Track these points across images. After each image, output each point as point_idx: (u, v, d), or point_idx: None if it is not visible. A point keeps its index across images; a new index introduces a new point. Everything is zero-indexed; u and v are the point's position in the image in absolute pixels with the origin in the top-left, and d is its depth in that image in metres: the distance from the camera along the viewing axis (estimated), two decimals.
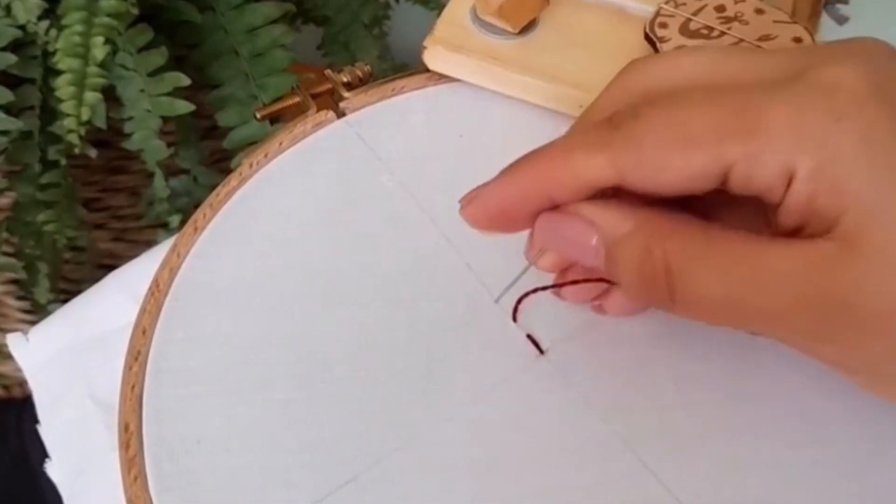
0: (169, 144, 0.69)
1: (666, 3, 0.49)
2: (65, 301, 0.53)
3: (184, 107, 0.67)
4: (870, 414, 0.40)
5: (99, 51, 0.62)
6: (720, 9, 0.49)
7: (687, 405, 0.40)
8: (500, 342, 0.42)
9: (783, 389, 0.41)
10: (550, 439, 0.39)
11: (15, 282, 0.79)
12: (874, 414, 0.40)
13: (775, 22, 0.49)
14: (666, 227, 0.34)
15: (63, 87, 0.63)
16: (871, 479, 0.38)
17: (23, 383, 0.53)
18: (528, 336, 0.42)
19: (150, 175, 0.69)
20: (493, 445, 0.39)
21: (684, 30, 0.48)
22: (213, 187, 0.46)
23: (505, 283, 0.42)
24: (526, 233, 0.38)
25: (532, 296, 0.41)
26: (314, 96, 0.49)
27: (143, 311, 0.43)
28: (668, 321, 0.42)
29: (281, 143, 0.48)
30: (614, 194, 0.35)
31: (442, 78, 0.50)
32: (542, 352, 0.41)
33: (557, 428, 0.39)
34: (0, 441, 0.89)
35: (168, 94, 0.67)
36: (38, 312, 0.77)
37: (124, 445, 0.39)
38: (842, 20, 0.57)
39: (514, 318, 0.42)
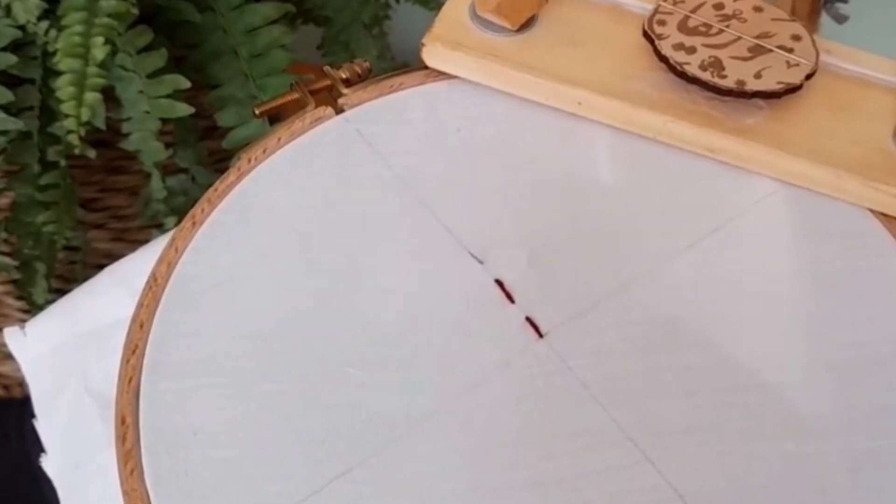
0: (167, 144, 0.69)
1: (664, 0, 0.49)
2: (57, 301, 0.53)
3: (183, 109, 0.67)
4: (870, 408, 0.40)
5: (99, 51, 0.62)
6: (719, 6, 0.49)
7: (687, 394, 0.40)
8: (499, 326, 0.42)
9: (785, 381, 0.41)
10: (548, 427, 0.39)
11: (14, 281, 0.79)
12: (874, 408, 0.40)
13: (774, 20, 0.49)
14: None
15: (63, 87, 0.63)
16: (870, 473, 0.38)
17: (23, 383, 0.53)
18: (528, 319, 0.42)
19: (150, 175, 0.69)
20: (490, 433, 0.39)
21: (683, 27, 0.48)
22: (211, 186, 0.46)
23: (507, 272, 0.42)
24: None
25: (533, 281, 0.41)
26: (313, 93, 0.49)
27: (140, 305, 0.43)
28: (669, 310, 0.42)
29: (279, 139, 0.48)
30: None
31: (440, 75, 0.50)
32: (541, 335, 0.41)
33: (556, 415, 0.39)
34: (0, 441, 0.89)
35: (167, 97, 0.67)
36: (35, 313, 0.76)
37: (121, 438, 0.39)
38: (841, 19, 0.57)
39: (513, 300, 0.42)
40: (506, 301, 0.42)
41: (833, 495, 0.38)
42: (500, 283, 0.43)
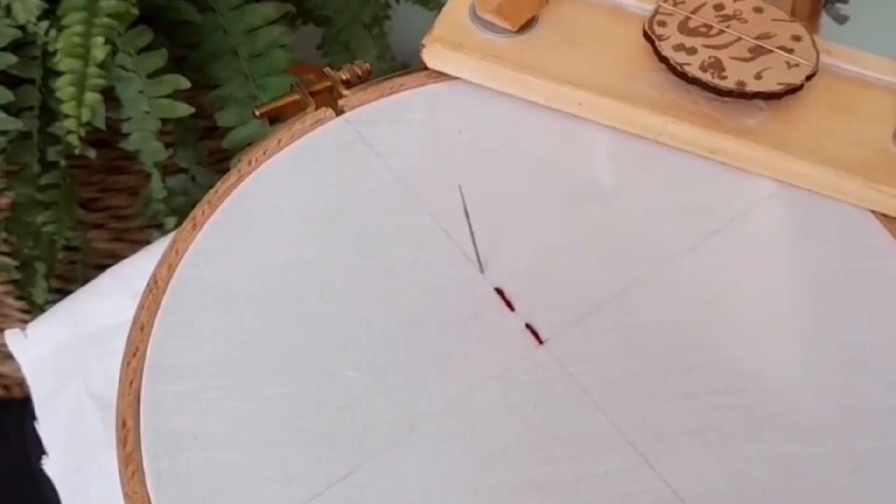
0: (167, 144, 0.69)
1: (664, 1, 0.49)
2: (57, 301, 0.53)
3: (183, 109, 0.67)
4: (870, 409, 0.40)
5: (99, 51, 0.62)
6: (719, 7, 0.49)
7: (687, 396, 0.40)
8: (499, 333, 0.42)
9: (783, 383, 0.41)
10: (548, 431, 0.39)
11: (14, 281, 0.79)
12: (874, 409, 0.40)
13: (774, 20, 0.49)
14: None
15: (63, 87, 0.63)
16: (871, 474, 0.38)
17: (23, 383, 0.53)
18: (528, 326, 0.42)
19: (150, 175, 0.69)
20: (490, 437, 0.39)
21: (683, 28, 0.48)
22: (211, 187, 0.46)
23: (507, 275, 0.42)
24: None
25: (533, 284, 0.41)
26: (313, 94, 0.49)
27: (141, 307, 0.43)
28: (669, 312, 0.42)
29: (280, 141, 0.48)
30: None
31: (441, 76, 0.50)
32: (541, 342, 0.41)
33: (556, 419, 0.39)
34: (0, 441, 0.89)
35: (167, 97, 0.67)
36: (36, 313, 0.77)
37: (122, 441, 0.39)
38: (841, 19, 0.57)
39: (512, 308, 0.42)
40: (506, 309, 0.42)
41: (834, 496, 0.38)
42: (499, 291, 0.43)
